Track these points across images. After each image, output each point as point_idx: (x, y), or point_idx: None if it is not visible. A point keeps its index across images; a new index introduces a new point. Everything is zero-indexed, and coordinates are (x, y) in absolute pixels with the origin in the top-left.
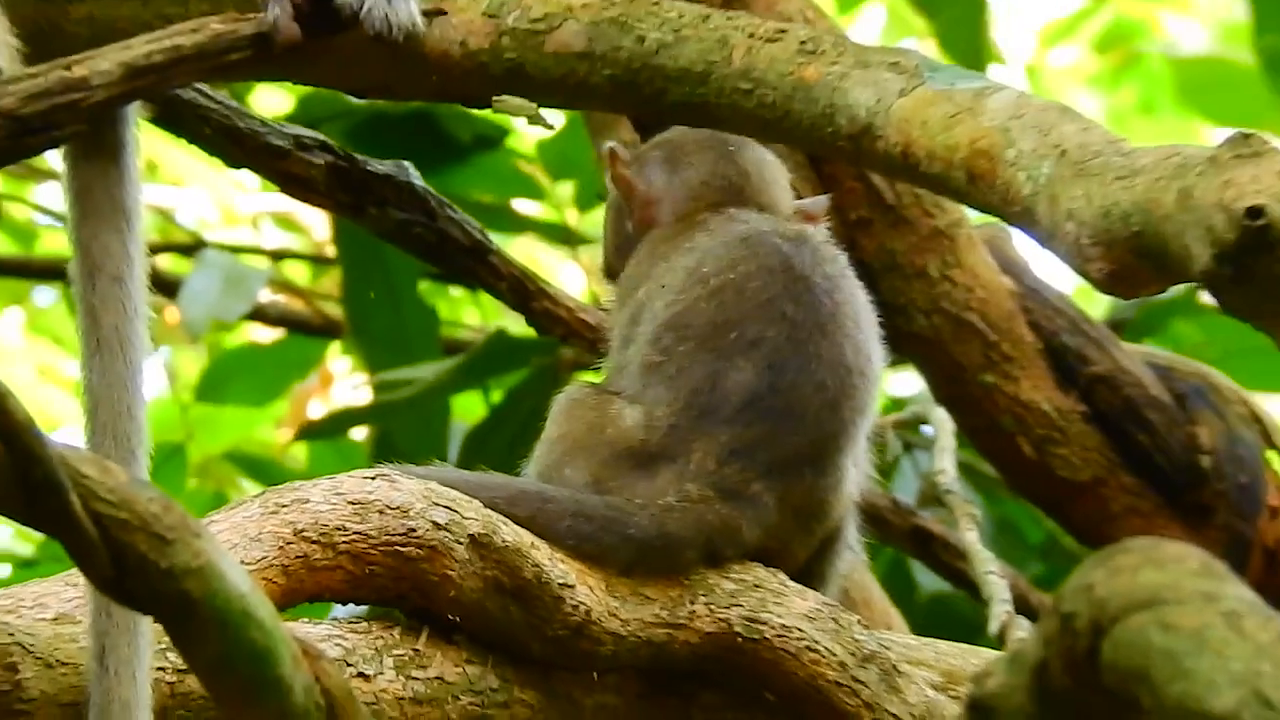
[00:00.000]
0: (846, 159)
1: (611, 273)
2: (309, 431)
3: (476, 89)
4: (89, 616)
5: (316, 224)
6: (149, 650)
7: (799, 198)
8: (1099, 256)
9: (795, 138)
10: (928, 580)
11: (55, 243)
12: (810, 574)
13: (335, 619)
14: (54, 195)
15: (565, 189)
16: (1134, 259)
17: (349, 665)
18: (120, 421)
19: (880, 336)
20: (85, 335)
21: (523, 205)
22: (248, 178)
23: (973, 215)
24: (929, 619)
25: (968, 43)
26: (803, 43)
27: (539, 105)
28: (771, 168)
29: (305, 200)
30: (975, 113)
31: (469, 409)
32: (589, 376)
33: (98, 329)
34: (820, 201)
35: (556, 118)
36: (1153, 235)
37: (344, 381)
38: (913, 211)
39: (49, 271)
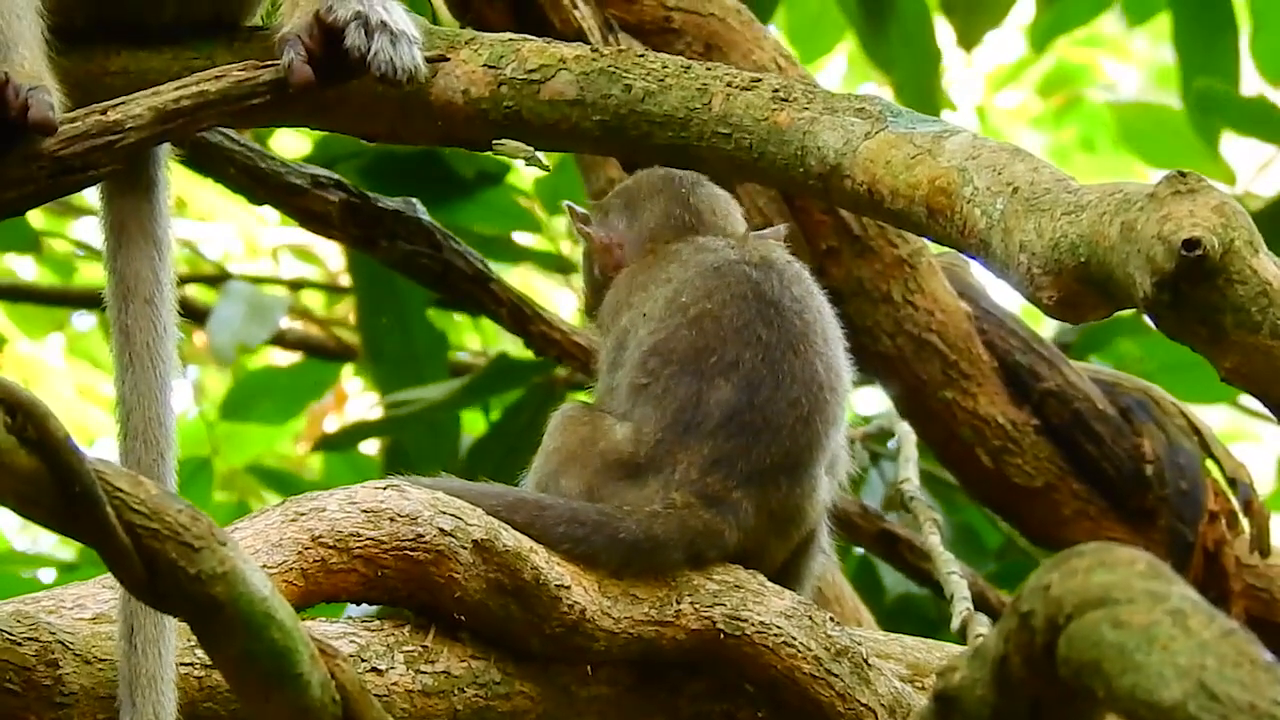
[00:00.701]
0: (817, 196)
1: (591, 310)
2: (325, 443)
3: (478, 133)
4: (119, 599)
5: (332, 256)
6: (173, 629)
7: (764, 226)
8: (1049, 285)
9: (770, 177)
10: (894, 580)
11: (92, 273)
12: (787, 575)
13: (350, 618)
14: (91, 230)
15: (560, 222)
16: (1081, 287)
17: (363, 661)
18: (151, 428)
19: (846, 347)
20: (119, 352)
21: (521, 237)
22: (269, 213)
23: (933, 245)
24: (895, 615)
25: (922, 94)
26: (776, 90)
27: (535, 148)
28: (722, 202)
29: (321, 234)
30: (934, 154)
31: (471, 424)
32: (582, 397)
33: (130, 346)
34: (777, 230)
35: (551, 158)
36: (1098, 265)
37: (357, 401)
38: (878, 241)
39: (87, 300)
